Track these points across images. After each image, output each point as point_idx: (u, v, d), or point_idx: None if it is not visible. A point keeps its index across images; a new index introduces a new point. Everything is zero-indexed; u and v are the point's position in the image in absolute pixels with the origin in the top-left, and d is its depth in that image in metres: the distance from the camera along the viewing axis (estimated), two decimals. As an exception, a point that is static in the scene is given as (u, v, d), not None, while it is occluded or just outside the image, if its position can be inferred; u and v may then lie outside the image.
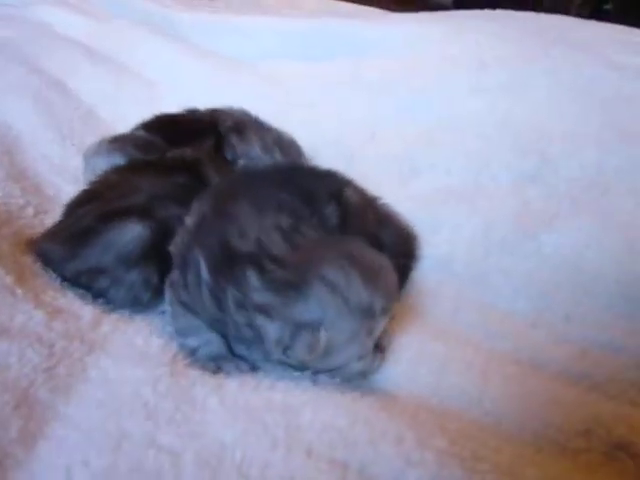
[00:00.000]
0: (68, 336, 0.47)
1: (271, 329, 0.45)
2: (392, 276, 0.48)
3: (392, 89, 0.95)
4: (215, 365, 0.50)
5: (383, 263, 0.48)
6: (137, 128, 0.77)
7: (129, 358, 0.47)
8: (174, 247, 0.53)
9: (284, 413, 0.42)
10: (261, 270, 0.46)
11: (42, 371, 0.43)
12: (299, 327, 0.44)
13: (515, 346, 0.53)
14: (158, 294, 0.57)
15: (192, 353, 0.51)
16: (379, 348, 0.49)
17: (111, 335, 0.50)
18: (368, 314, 0.45)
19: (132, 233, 0.56)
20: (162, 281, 0.56)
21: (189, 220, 0.53)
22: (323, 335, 0.44)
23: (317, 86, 1.03)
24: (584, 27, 0.98)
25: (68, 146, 0.83)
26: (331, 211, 0.56)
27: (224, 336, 0.51)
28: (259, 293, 0.46)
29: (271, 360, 0.48)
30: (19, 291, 0.49)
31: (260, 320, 0.45)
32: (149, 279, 0.56)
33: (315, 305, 0.44)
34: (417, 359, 0.50)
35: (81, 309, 0.51)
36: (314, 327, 0.44)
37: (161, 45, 1.23)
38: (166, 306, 0.54)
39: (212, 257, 0.48)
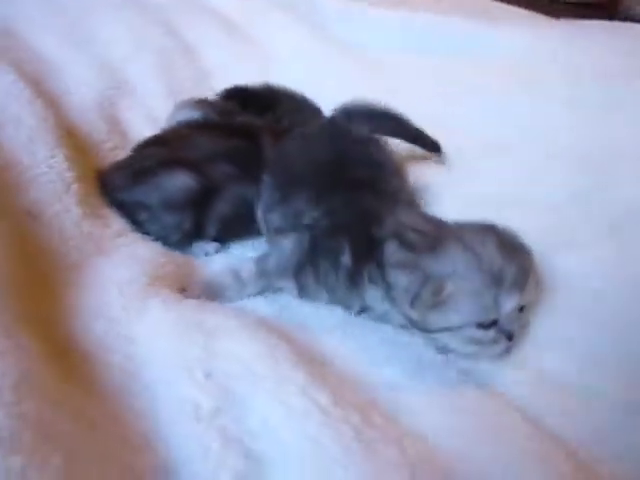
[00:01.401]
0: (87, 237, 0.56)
1: (403, 278, 0.48)
2: (529, 257, 0.48)
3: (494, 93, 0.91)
4: None
5: (522, 244, 0.49)
6: (221, 93, 0.86)
7: (124, 264, 0.54)
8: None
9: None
10: (402, 239, 0.50)
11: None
12: (428, 278, 0.46)
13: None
14: (187, 238, 0.65)
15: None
16: (507, 334, 0.48)
17: (124, 247, 0.58)
18: (497, 279, 0.45)
19: (180, 182, 0.63)
20: (195, 228, 0.64)
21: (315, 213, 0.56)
22: (449, 285, 0.45)
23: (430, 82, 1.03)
24: None
25: (171, 102, 0.93)
26: None
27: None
28: (397, 254, 0.49)
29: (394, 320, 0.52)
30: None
31: (393, 275, 0.49)
32: (182, 224, 0.63)
33: (447, 259, 0.46)
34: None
35: (113, 222, 0.60)
36: (442, 279, 0.46)
37: (292, 25, 1.30)
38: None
39: (355, 244, 0.52)
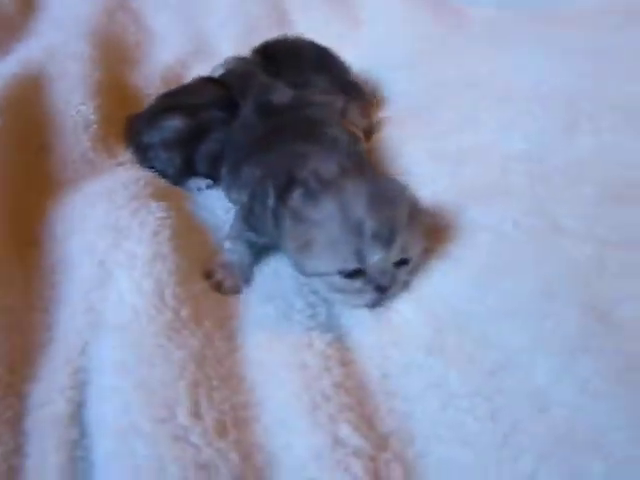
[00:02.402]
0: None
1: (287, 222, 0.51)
2: (399, 214, 0.48)
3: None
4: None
5: (398, 200, 0.49)
6: (257, 49, 0.93)
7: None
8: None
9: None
10: (307, 187, 0.52)
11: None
12: (300, 223, 0.49)
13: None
14: (181, 173, 0.75)
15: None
16: (376, 287, 0.48)
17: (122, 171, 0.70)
18: (355, 231, 0.47)
19: (173, 124, 0.75)
20: (186, 165, 0.75)
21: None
22: (312, 232, 0.48)
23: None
24: None
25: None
26: None
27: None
28: (295, 201, 0.52)
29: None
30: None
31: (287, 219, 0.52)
32: (173, 160, 0.75)
33: (318, 207, 0.49)
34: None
35: (120, 155, 0.74)
36: (309, 225, 0.49)
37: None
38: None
39: (277, 186, 0.56)
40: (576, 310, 0.40)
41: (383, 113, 0.88)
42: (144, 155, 0.76)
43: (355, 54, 1.13)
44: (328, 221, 0.47)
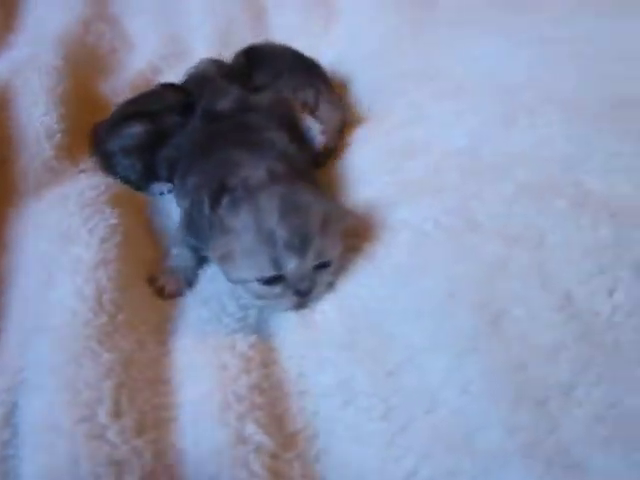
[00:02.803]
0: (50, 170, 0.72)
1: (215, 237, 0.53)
2: (311, 221, 0.49)
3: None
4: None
5: (311, 208, 0.51)
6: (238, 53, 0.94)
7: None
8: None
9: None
10: (233, 197, 0.54)
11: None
12: (227, 233, 0.51)
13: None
14: (143, 179, 0.78)
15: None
16: (295, 291, 0.50)
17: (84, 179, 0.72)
18: (268, 240, 0.49)
19: (133, 131, 0.77)
20: (148, 170, 0.77)
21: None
22: (231, 242, 0.51)
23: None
24: None
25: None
26: None
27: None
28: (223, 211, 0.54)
29: None
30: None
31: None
32: (135, 166, 0.76)
33: (237, 215, 0.51)
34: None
35: (82, 163, 0.76)
36: (229, 238, 0.51)
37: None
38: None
39: (211, 195, 0.58)
40: (471, 311, 0.40)
41: (350, 108, 0.89)
42: (107, 162, 0.78)
43: (329, 49, 1.13)
44: (244, 231, 0.49)
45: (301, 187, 0.52)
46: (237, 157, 0.59)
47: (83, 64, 0.93)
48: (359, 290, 0.49)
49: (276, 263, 0.48)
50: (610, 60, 0.61)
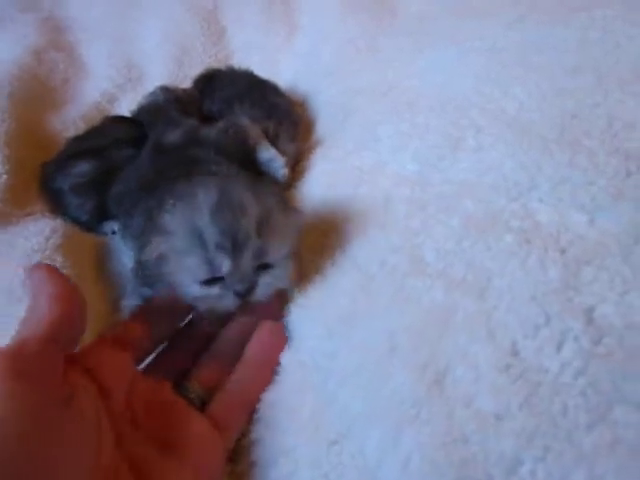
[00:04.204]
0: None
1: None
2: (245, 222, 0.46)
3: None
4: None
5: (246, 207, 0.47)
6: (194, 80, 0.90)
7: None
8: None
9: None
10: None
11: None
12: (151, 236, 0.48)
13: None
14: (93, 218, 0.73)
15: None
16: (235, 292, 0.47)
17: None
18: (198, 241, 0.45)
19: (81, 169, 0.72)
20: (99, 209, 0.73)
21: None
22: (162, 246, 0.47)
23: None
24: None
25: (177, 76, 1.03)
26: None
27: None
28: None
29: None
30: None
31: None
32: (85, 205, 0.72)
33: (166, 218, 0.47)
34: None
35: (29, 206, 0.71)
36: (161, 241, 0.47)
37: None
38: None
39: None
40: (412, 370, 0.36)
41: (306, 130, 0.85)
42: (57, 203, 0.74)
43: (289, 67, 1.09)
44: (174, 233, 0.45)
45: (241, 182, 0.48)
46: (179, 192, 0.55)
47: (33, 99, 0.88)
48: (308, 342, 0.45)
49: (211, 265, 0.44)
50: (560, 71, 0.56)
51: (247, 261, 0.45)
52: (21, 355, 0.32)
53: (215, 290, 0.46)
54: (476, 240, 0.42)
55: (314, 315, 0.46)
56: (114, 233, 0.73)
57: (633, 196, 0.39)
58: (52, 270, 0.38)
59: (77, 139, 0.78)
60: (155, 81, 0.99)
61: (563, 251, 0.38)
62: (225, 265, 0.44)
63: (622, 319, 0.33)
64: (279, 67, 1.06)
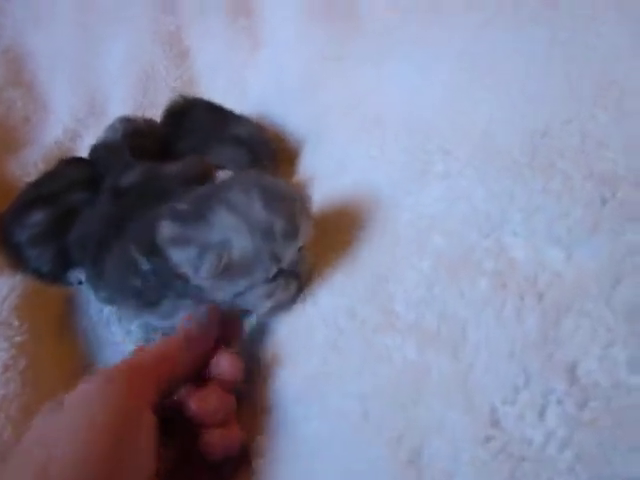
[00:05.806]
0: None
1: (179, 253, 0.45)
2: (298, 203, 0.46)
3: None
4: None
5: (288, 189, 0.47)
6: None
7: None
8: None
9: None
10: (172, 212, 0.47)
11: None
12: (205, 249, 0.44)
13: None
14: (56, 268, 0.68)
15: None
16: (294, 275, 0.46)
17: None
18: (268, 236, 0.43)
19: (36, 218, 0.67)
20: (60, 258, 0.68)
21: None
22: (225, 254, 0.43)
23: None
24: None
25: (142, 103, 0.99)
26: None
27: None
28: (169, 228, 0.47)
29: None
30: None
31: (170, 250, 0.46)
32: (44, 256, 0.66)
33: (218, 227, 0.44)
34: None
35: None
36: (219, 248, 0.44)
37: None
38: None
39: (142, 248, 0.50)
40: (386, 444, 0.32)
41: (278, 156, 0.81)
42: (16, 257, 0.70)
43: (257, 80, 1.05)
44: (238, 237, 0.43)
45: (259, 173, 0.48)
46: (152, 214, 0.50)
47: (-11, 141, 0.85)
48: (283, 405, 0.41)
49: (276, 256, 0.43)
50: (530, 79, 0.53)
51: (300, 242, 0.45)
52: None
53: (281, 281, 0.45)
54: (448, 285, 0.39)
55: (289, 377, 0.42)
56: (80, 283, 0.70)
57: (609, 227, 0.36)
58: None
59: (31, 186, 0.72)
60: (119, 113, 0.95)
61: (541, 296, 0.35)
62: (292, 251, 0.44)
63: (608, 377, 0.30)
64: (246, 84, 1.02)
